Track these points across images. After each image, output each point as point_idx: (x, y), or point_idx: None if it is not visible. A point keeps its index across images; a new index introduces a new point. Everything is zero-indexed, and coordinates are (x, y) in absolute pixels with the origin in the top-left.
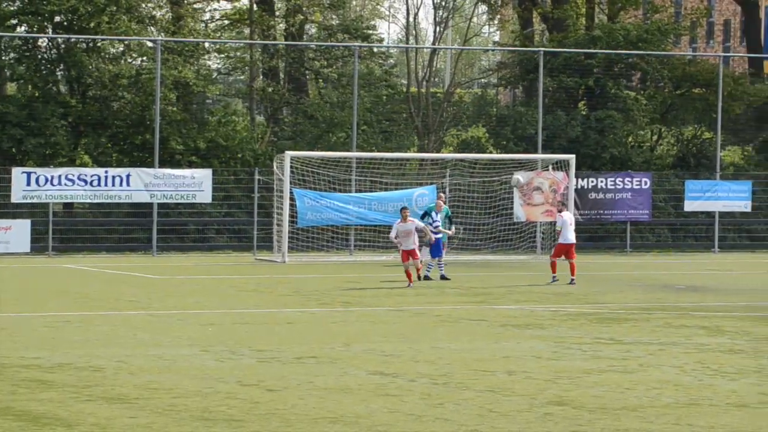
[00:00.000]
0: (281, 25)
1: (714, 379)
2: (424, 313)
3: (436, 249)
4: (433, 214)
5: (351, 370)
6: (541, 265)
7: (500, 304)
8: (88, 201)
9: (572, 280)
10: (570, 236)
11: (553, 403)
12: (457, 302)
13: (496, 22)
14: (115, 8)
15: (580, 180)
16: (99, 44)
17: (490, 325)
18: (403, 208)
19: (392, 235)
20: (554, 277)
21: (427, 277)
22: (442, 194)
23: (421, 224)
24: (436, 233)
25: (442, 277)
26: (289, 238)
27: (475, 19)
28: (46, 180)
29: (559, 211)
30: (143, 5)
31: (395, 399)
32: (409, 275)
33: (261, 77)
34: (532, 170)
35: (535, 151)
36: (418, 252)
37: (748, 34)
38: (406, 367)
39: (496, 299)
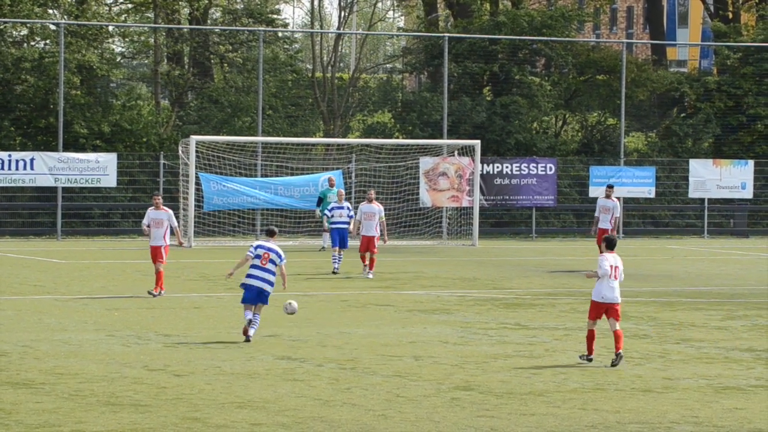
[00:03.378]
0: (185, 9)
1: (619, 364)
2: (331, 299)
3: (336, 238)
4: (333, 202)
5: (258, 355)
6: (448, 250)
7: (407, 289)
8: None
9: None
10: (372, 230)
11: (460, 388)
12: (364, 287)
13: (400, 7)
14: None
15: (485, 165)
16: (1, 27)
17: (397, 311)
18: (154, 195)
19: (144, 222)
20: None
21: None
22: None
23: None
24: (341, 223)
25: (334, 271)
26: (195, 222)
27: (380, 4)
28: None
29: (369, 201)
30: None
31: (303, 384)
32: (159, 277)
33: (165, 61)
34: (437, 156)
35: (441, 137)
36: (164, 253)
37: (650, 21)
38: (313, 352)
39: (402, 284)
